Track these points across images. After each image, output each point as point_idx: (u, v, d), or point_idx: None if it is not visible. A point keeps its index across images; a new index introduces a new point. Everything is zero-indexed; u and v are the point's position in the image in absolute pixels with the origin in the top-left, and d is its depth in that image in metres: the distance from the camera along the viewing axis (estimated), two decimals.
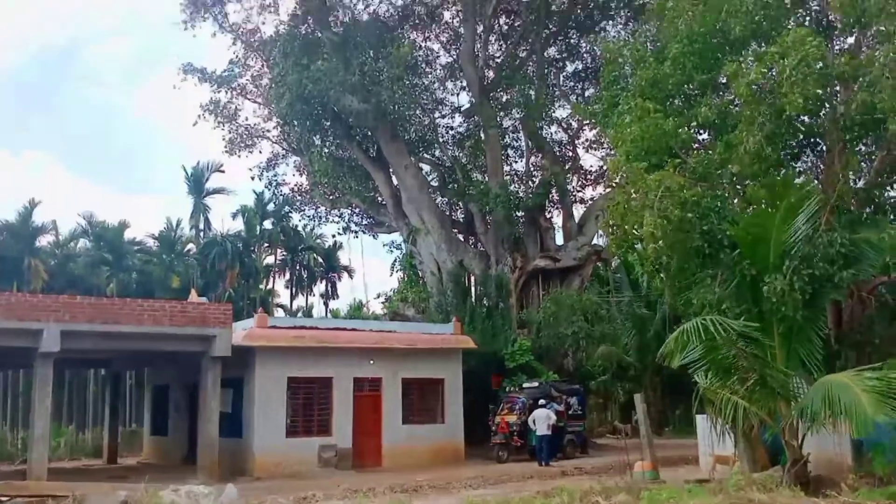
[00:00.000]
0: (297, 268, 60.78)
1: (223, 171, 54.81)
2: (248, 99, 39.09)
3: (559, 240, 36.13)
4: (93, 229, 50.66)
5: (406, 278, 37.34)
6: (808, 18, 18.55)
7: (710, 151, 17.54)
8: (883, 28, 16.00)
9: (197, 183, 54.18)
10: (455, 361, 26.55)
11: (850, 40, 19.06)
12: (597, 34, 33.68)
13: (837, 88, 17.50)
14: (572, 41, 37.19)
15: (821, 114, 17.15)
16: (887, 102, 14.18)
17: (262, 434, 22.71)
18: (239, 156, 39.32)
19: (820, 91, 15.42)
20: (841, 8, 16.64)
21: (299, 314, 56.17)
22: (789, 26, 17.06)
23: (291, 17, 35.03)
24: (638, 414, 19.41)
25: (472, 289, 35.48)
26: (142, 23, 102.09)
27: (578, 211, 37.42)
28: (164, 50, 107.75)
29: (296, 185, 41.92)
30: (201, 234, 54.78)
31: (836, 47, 18.99)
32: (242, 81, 38.62)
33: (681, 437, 30.35)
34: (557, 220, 37.35)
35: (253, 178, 42.22)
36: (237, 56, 38.07)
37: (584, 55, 37.34)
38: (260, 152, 40.23)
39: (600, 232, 33.69)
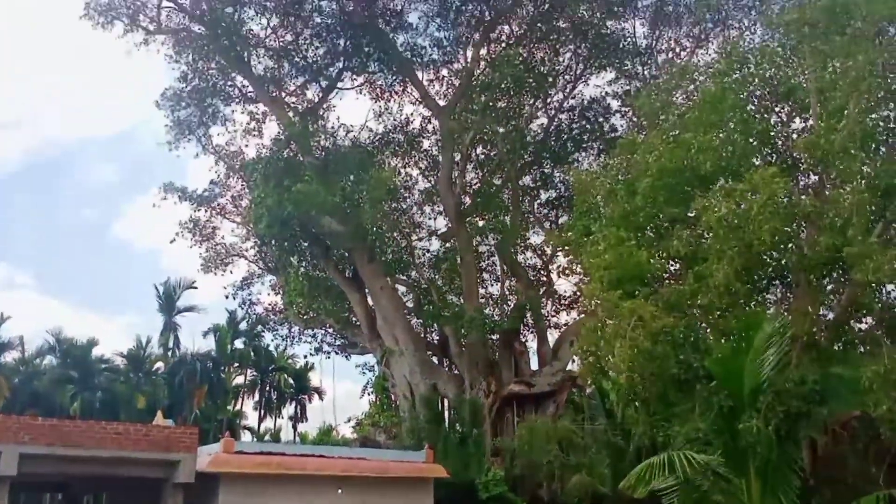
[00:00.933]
0: (267, 389, 59.83)
1: (196, 288, 54.74)
2: (227, 218, 39.42)
3: (534, 364, 35.90)
4: (60, 346, 49.85)
5: (378, 401, 36.71)
6: (773, 156, 19.23)
7: (682, 282, 17.74)
8: (843, 167, 16.57)
9: (168, 300, 53.91)
10: (426, 491, 25.67)
11: (815, 178, 19.68)
12: (570, 165, 34.72)
13: (804, 225, 17.93)
14: (546, 171, 38.29)
15: (788, 247, 17.50)
16: (854, 250, 14.50)
17: None
18: (215, 274, 39.32)
19: (787, 228, 15.80)
20: (805, 147, 17.31)
21: (267, 437, 54.80)
22: (756, 162, 17.66)
23: (274, 142, 35.86)
24: None
25: (446, 413, 34.90)
26: (126, 147, 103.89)
27: (553, 335, 37.45)
28: (145, 172, 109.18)
29: (270, 304, 41.79)
30: (170, 352, 54.00)
31: (801, 183, 19.61)
32: (222, 201, 39.10)
33: None
34: (532, 344, 37.31)
35: (227, 297, 41.99)
36: (218, 176, 38.71)
37: (558, 184, 38.36)
38: (231, 272, 40.26)
39: (575, 357, 33.57)
